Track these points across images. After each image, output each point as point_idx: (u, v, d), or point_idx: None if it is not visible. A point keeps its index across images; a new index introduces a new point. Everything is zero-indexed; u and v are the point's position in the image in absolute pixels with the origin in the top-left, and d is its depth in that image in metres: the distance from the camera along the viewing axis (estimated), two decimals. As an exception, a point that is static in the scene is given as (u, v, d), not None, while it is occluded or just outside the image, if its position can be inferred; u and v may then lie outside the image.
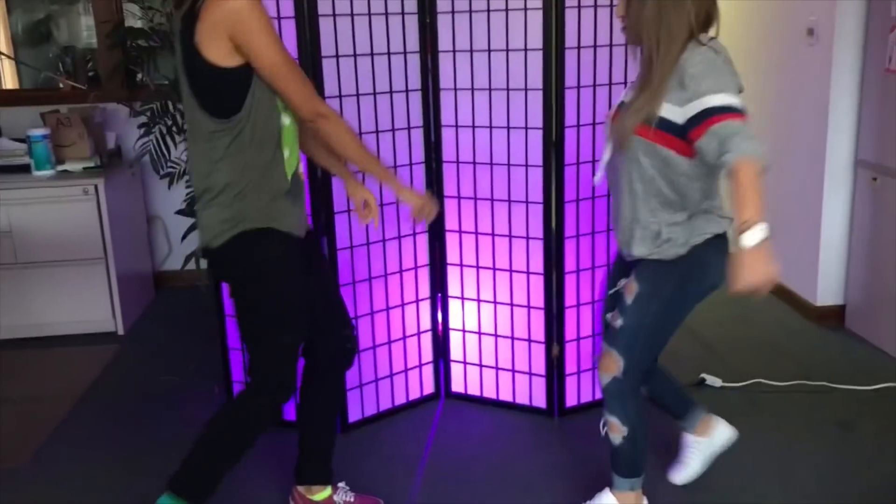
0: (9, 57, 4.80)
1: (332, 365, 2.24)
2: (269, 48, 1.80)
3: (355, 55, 2.57)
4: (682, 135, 1.88)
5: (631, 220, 2.03)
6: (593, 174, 2.70)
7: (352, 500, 2.34)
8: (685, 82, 1.85)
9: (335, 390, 2.29)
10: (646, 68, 1.96)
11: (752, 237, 1.70)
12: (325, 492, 2.33)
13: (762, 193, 1.73)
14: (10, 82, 5.22)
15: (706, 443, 2.43)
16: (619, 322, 2.06)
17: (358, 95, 2.60)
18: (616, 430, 2.15)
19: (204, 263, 3.59)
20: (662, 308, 2.03)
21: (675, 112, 1.88)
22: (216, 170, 1.90)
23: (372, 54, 2.60)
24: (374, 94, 2.63)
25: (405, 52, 2.66)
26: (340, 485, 2.36)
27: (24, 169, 3.70)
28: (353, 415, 2.82)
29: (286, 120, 1.94)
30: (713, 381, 3.08)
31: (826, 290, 3.66)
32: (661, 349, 2.17)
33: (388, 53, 2.63)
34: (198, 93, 1.87)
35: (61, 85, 4.29)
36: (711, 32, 1.94)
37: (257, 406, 2.06)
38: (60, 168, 3.72)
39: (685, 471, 2.45)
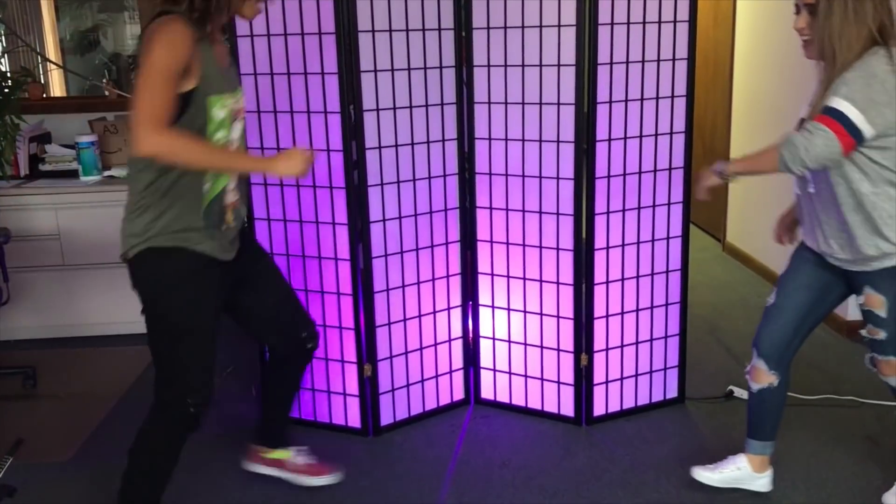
0: (58, 66, 4.96)
1: (289, 361, 2.44)
2: (144, 63, 1.78)
3: (392, 69, 2.65)
4: None
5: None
6: (623, 186, 2.76)
7: (310, 461, 2.56)
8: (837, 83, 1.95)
9: (294, 379, 2.50)
10: (827, 76, 2.01)
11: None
12: (278, 453, 2.55)
13: (756, 166, 2.13)
14: (58, 90, 5.39)
15: (749, 475, 2.45)
16: (882, 335, 2.24)
17: (395, 109, 2.68)
18: None
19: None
20: None
21: None
22: (132, 181, 1.97)
23: (409, 69, 2.68)
24: (411, 107, 2.71)
25: (441, 67, 2.74)
26: (300, 448, 2.58)
27: (73, 174, 3.84)
28: (385, 418, 2.89)
29: None
30: (741, 393, 3.10)
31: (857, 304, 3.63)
32: None
33: (425, 68, 2.71)
34: None
35: (107, 93, 4.43)
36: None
37: (168, 419, 2.11)
38: (107, 173, 3.86)
39: (711, 474, 2.47)
